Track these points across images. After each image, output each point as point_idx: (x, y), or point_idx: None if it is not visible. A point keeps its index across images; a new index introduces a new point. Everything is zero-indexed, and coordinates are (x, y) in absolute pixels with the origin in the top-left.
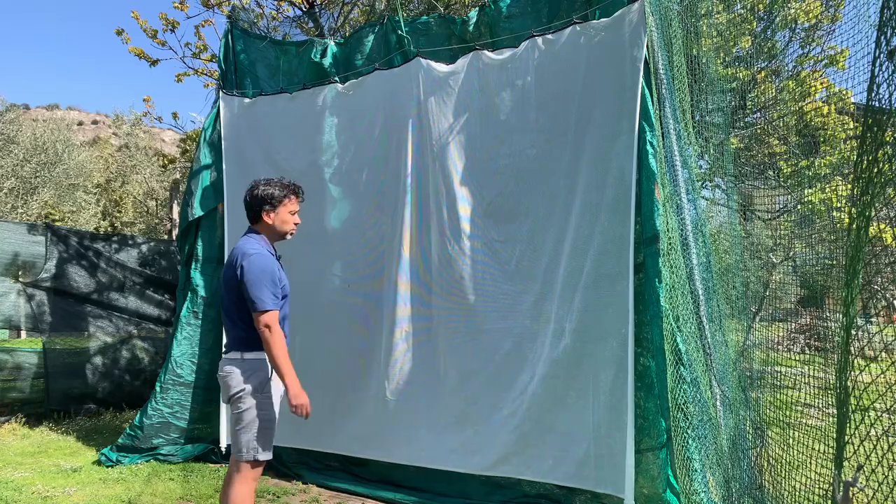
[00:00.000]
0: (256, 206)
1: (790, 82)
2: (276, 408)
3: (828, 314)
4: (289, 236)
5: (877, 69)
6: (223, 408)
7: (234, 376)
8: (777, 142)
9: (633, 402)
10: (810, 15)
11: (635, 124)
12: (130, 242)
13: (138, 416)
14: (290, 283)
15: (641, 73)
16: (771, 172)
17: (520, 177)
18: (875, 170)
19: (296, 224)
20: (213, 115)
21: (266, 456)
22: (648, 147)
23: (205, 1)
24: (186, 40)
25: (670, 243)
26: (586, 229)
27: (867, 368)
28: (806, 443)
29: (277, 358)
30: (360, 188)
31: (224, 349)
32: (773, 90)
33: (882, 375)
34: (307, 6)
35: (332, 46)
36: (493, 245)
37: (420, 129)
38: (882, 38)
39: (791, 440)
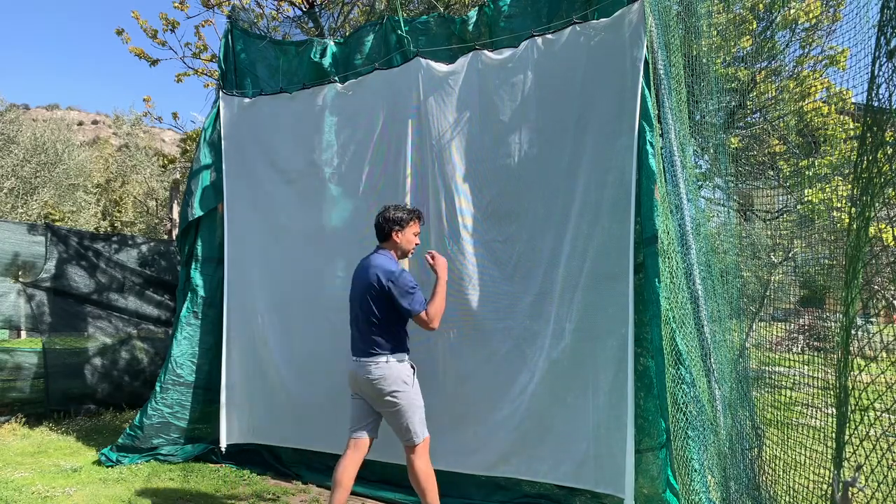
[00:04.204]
0: (388, 227)
1: (790, 82)
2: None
3: (828, 314)
4: (410, 254)
5: (877, 69)
6: (223, 408)
7: (387, 378)
8: (777, 142)
9: (633, 402)
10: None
11: (635, 124)
12: (130, 242)
13: (138, 416)
14: (293, 284)
15: (641, 73)
16: (771, 172)
17: (519, 177)
18: (875, 170)
19: (416, 244)
20: (213, 115)
21: (427, 433)
22: (648, 147)
23: (205, 1)
24: (186, 40)
25: (669, 243)
26: (586, 229)
27: (867, 368)
28: (805, 443)
29: (443, 303)
30: (360, 188)
31: (354, 354)
32: (773, 90)
33: (882, 375)
34: (307, 6)
35: (331, 46)
36: (492, 245)
37: (420, 129)
38: (882, 38)
39: (790, 440)
